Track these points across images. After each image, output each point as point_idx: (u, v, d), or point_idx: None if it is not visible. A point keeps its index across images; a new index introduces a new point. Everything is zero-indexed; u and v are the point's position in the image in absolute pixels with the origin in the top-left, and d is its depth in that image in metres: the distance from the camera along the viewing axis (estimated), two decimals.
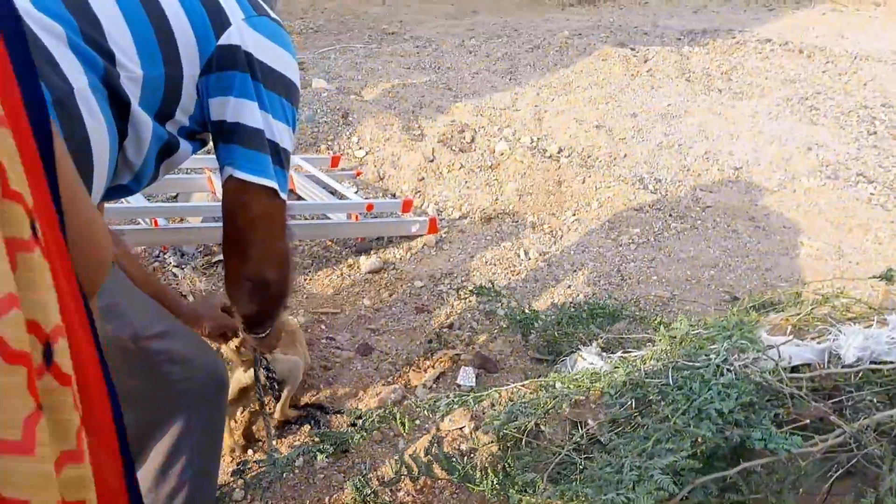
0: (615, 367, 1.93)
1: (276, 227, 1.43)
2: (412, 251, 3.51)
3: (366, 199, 3.68)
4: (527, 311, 2.53)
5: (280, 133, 1.37)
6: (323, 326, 3.01)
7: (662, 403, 1.67)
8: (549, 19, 6.84)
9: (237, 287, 1.47)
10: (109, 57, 1.17)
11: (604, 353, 2.14)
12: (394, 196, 3.94)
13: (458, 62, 5.62)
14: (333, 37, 6.12)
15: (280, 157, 1.38)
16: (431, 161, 4.15)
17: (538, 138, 4.47)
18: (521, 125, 4.60)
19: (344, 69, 5.29)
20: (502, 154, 4.22)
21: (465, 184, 4.00)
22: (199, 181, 3.41)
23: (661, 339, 2.05)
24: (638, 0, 7.63)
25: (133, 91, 1.21)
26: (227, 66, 1.33)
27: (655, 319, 2.22)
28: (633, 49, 5.74)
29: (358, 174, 4.06)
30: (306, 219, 3.52)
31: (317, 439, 1.90)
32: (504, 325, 2.73)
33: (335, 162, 4.10)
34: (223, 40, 1.32)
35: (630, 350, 2.16)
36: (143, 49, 1.22)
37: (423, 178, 4.05)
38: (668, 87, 5.21)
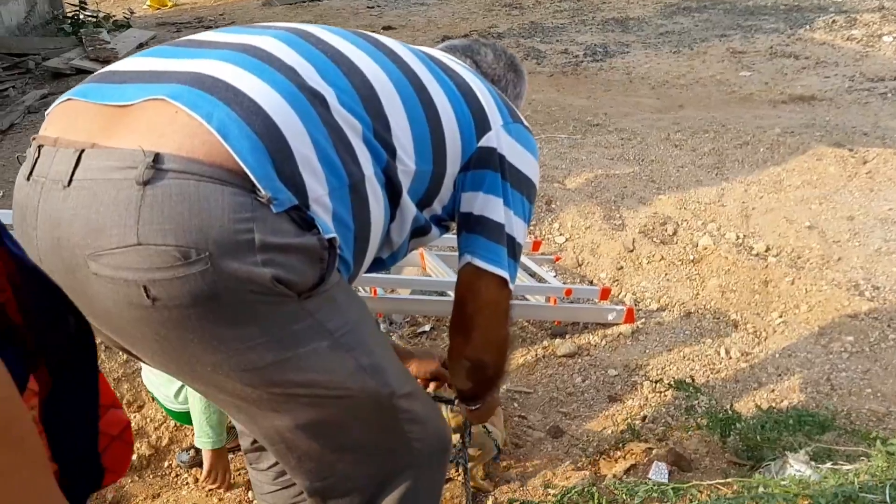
0: (825, 478, 1.84)
1: (501, 314, 1.61)
2: (607, 339, 3.52)
3: (564, 284, 3.76)
4: (728, 410, 2.46)
5: (518, 229, 1.55)
6: (516, 405, 3.08)
7: None
8: (759, 116, 6.69)
9: (457, 364, 1.65)
10: (392, 152, 1.38)
11: (812, 463, 2.04)
12: (591, 283, 3.98)
13: (662, 155, 5.64)
14: (539, 127, 6.34)
15: (514, 250, 1.55)
16: (631, 251, 4.17)
17: (744, 235, 4.36)
18: (726, 221, 4.51)
19: (549, 158, 5.46)
20: (706, 249, 4.16)
21: (664, 276, 3.98)
22: (412, 257, 3.64)
23: (877, 455, 1.94)
24: (857, 100, 7.30)
25: (405, 182, 1.42)
26: (482, 165, 1.54)
27: (872, 433, 2.09)
28: (850, 149, 5.49)
29: (557, 259, 4.15)
30: None
31: None
32: (702, 423, 2.66)
33: (536, 246, 4.23)
34: (483, 142, 1.53)
35: (841, 463, 2.05)
36: (419, 148, 1.44)
37: (621, 268, 4.07)
38: (890, 190, 4.91)
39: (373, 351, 1.38)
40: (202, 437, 2.38)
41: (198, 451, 2.60)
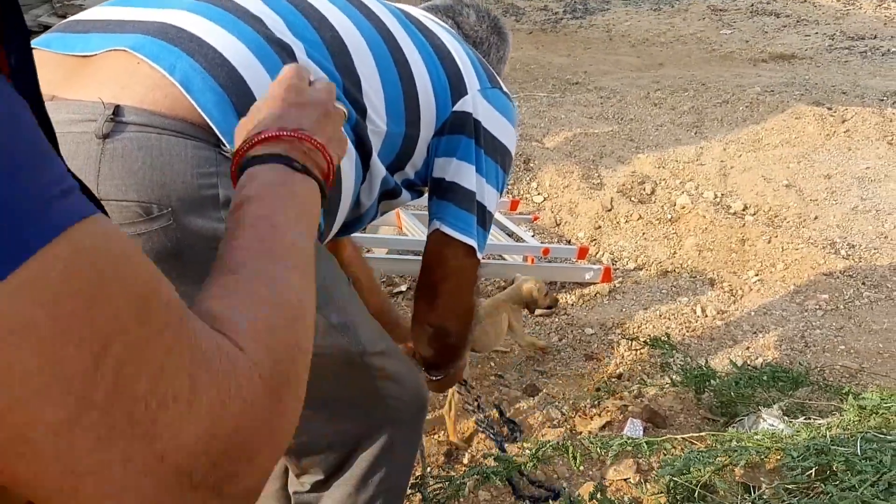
0: (797, 432, 1.85)
1: (467, 283, 1.57)
2: (584, 298, 3.52)
3: (542, 243, 3.74)
4: (703, 367, 2.47)
5: (489, 197, 1.51)
6: (493, 364, 3.08)
7: (848, 473, 1.59)
8: (739, 74, 6.67)
9: (420, 330, 1.61)
10: (362, 111, 1.34)
11: (785, 418, 2.06)
12: (569, 242, 3.97)
13: (641, 114, 5.61)
14: (518, 85, 6.29)
15: (484, 219, 1.52)
16: (609, 210, 4.16)
17: (722, 194, 4.36)
18: (704, 180, 4.51)
19: (528, 117, 5.42)
20: (683, 208, 4.15)
21: (642, 235, 3.97)
22: (388, 216, 3.61)
23: (849, 409, 1.95)
24: (837, 58, 7.30)
25: (375, 143, 1.38)
26: (456, 130, 1.49)
27: (844, 389, 2.11)
28: (829, 108, 5.50)
29: (535, 219, 4.13)
30: (483, 258, 3.62)
31: (491, 462, 1.96)
32: (677, 380, 2.67)
33: (514, 206, 4.20)
34: (458, 107, 1.48)
35: (814, 417, 2.06)
36: (391, 109, 1.39)
37: (599, 227, 4.06)
38: (868, 149, 4.93)
39: (343, 309, 1.35)
40: None
41: None
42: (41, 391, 0.40)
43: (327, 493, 1.48)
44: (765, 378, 2.33)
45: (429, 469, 2.19)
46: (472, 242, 1.51)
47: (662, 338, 2.68)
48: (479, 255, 1.55)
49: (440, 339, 1.62)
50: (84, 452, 0.42)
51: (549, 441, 2.00)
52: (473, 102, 1.51)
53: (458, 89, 1.51)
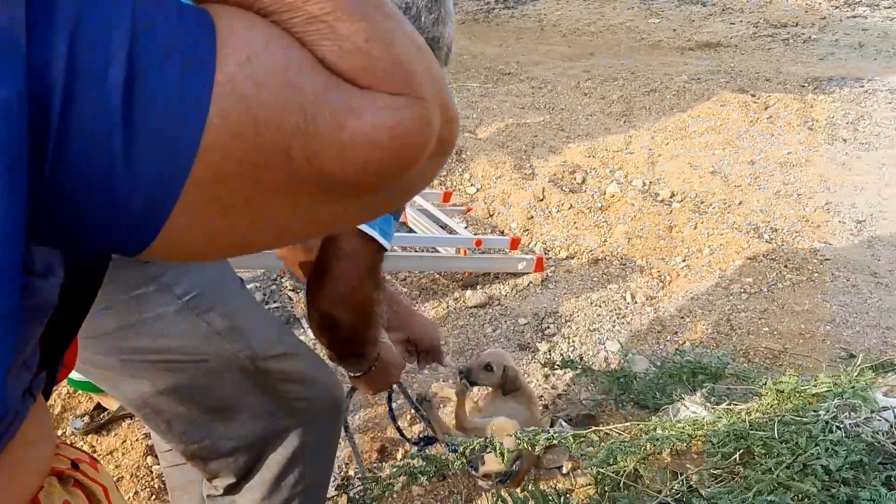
0: (718, 418, 1.90)
1: (360, 269, 1.40)
2: (518, 288, 3.55)
3: (475, 234, 3.76)
4: (624, 371, 2.51)
5: None
6: (420, 376, 3.08)
7: (766, 457, 1.64)
8: (667, 63, 6.79)
9: (310, 314, 1.47)
10: None
11: (707, 404, 2.11)
12: (502, 233, 4.00)
13: (572, 103, 5.67)
14: (451, 76, 6.28)
15: None
16: (541, 200, 4.20)
17: (650, 182, 4.44)
18: (633, 168, 4.58)
19: (460, 107, 5.42)
20: (613, 196, 4.22)
21: (573, 224, 4.02)
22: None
23: (767, 393, 2.01)
24: (761, 46, 7.48)
25: None
26: None
27: (761, 380, 2.17)
28: (753, 95, 5.64)
29: (468, 210, 4.14)
30: (416, 251, 3.62)
31: (419, 462, 1.95)
32: (602, 381, 2.72)
33: (447, 197, 4.20)
34: None
35: (735, 402, 2.12)
36: None
37: (532, 217, 4.09)
38: (789, 134, 5.08)
39: (230, 313, 1.32)
40: None
41: (92, 417, 2.52)
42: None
43: (239, 497, 1.46)
44: (684, 376, 2.38)
45: (365, 472, 2.16)
46: (369, 231, 1.41)
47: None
48: (382, 242, 1.42)
49: (329, 328, 1.44)
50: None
51: (476, 439, 2.00)
52: None
53: None
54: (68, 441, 2.34)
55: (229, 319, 1.31)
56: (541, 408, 2.63)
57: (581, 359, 3.00)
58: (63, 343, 0.66)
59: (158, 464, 2.28)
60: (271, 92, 0.46)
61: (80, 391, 2.59)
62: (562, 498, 1.90)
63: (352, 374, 1.64)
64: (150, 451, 2.44)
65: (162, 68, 0.43)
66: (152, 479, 2.39)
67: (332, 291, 1.36)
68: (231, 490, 1.46)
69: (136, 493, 2.35)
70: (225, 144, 0.45)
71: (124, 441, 2.54)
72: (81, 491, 0.73)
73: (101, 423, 2.56)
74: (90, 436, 2.56)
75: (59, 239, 0.47)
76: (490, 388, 2.58)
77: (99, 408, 2.57)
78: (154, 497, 2.34)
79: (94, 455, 2.35)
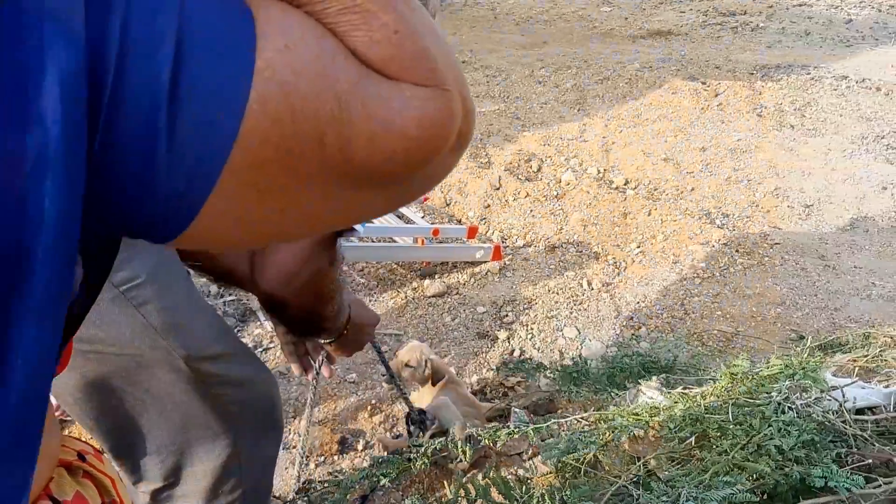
0: (675, 402, 1.93)
1: (303, 244, 1.24)
2: (476, 277, 3.56)
3: (432, 224, 3.75)
4: (576, 366, 2.53)
5: None
6: (385, 348, 3.07)
7: (722, 438, 1.67)
8: (619, 51, 6.85)
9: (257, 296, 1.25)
10: None
11: (663, 388, 2.14)
12: (459, 222, 4.00)
13: (527, 92, 5.69)
14: None
15: None
16: (498, 189, 4.21)
17: (605, 169, 4.49)
18: (588, 156, 4.62)
19: None
20: (568, 184, 4.25)
21: (530, 212, 4.04)
22: None
23: (722, 377, 2.05)
24: (710, 34, 7.59)
25: None
26: None
27: (713, 368, 2.21)
28: (703, 83, 5.72)
29: (425, 199, 4.14)
30: (373, 241, 3.61)
31: (380, 463, 1.95)
32: (553, 375, 2.75)
33: None
34: None
35: (690, 386, 2.16)
36: None
37: (488, 206, 4.11)
38: (739, 121, 5.17)
39: (168, 308, 1.27)
40: None
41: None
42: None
43: None
44: (636, 369, 2.41)
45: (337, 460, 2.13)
46: None
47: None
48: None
49: (277, 310, 1.24)
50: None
51: (439, 439, 2.00)
52: None
53: None
54: None
55: (167, 314, 1.25)
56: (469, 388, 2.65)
57: (538, 350, 3.03)
58: (66, 338, 0.65)
59: None
60: (308, 80, 0.47)
61: None
62: (523, 486, 1.92)
63: (323, 342, 1.52)
64: None
65: (206, 52, 0.44)
66: None
67: (272, 270, 1.15)
68: (160, 498, 1.40)
69: None
70: (264, 130, 0.46)
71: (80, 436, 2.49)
72: (92, 482, 0.73)
73: (60, 419, 2.52)
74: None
75: (94, 220, 0.47)
76: (420, 386, 2.53)
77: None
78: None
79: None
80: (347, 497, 1.94)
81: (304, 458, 2.18)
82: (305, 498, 1.97)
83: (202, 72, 0.44)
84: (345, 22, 0.50)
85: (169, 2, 0.44)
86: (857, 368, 2.29)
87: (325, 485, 1.96)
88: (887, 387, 2.09)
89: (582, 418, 1.88)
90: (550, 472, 1.85)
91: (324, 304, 1.29)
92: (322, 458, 2.44)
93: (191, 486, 1.39)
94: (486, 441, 1.91)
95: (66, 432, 2.44)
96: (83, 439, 0.82)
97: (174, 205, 0.46)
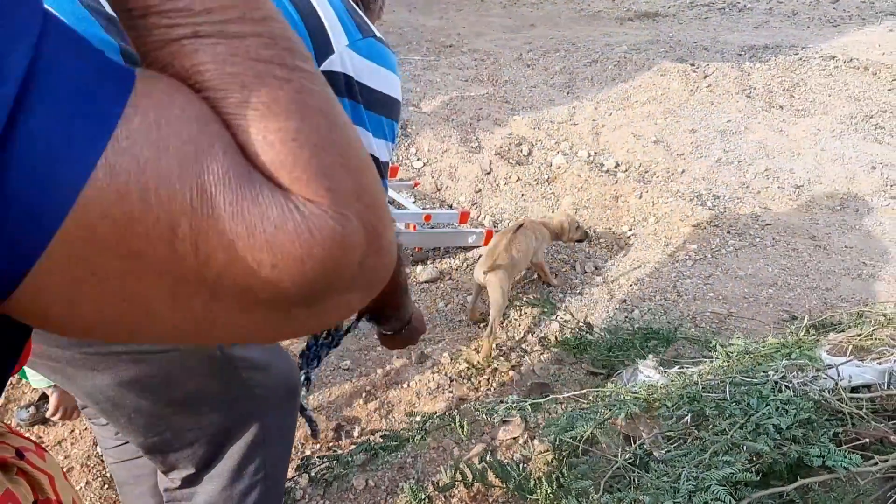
0: (672, 381, 1.93)
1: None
2: (468, 262, 3.55)
3: (423, 209, 3.74)
4: (580, 332, 2.53)
5: (379, 148, 1.39)
6: (377, 336, 3.06)
7: (719, 418, 1.67)
8: (607, 34, 6.83)
9: None
10: None
11: (660, 367, 2.14)
12: (451, 207, 3.99)
13: (515, 75, 5.66)
14: (392, 48, 6.22)
15: (378, 168, 1.39)
16: (488, 173, 4.20)
17: (595, 152, 4.48)
18: (578, 139, 4.61)
19: (403, 81, 5.37)
20: (559, 167, 4.24)
21: (521, 196, 4.03)
22: None
23: (718, 356, 2.05)
24: (698, 15, 7.58)
25: None
26: None
27: (711, 342, 2.22)
28: (692, 64, 5.71)
29: (416, 185, 4.12)
30: None
31: (379, 438, 1.94)
32: (556, 347, 2.74)
33: (393, 172, 4.17)
34: (325, 67, 1.35)
35: (687, 365, 2.16)
36: None
37: (479, 190, 4.09)
38: (728, 103, 5.17)
39: None
40: (38, 378, 2.23)
41: (38, 407, 2.45)
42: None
43: (200, 488, 1.42)
44: (637, 341, 2.41)
45: (318, 447, 2.15)
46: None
47: (543, 298, 2.73)
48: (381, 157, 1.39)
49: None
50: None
51: (435, 413, 2.00)
52: (342, 59, 1.40)
53: (324, 49, 1.40)
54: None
55: None
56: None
57: (531, 334, 3.03)
58: (23, 337, 0.63)
59: None
60: (171, 160, 0.42)
61: (23, 379, 2.51)
62: (520, 466, 1.92)
63: (383, 332, 1.65)
64: None
65: (57, 105, 0.40)
66: (103, 469, 2.34)
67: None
68: (190, 481, 1.42)
69: (87, 482, 2.30)
70: (105, 204, 0.41)
71: (72, 431, 2.47)
72: (25, 480, 0.70)
73: (45, 413, 2.50)
74: (36, 427, 2.48)
75: None
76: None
77: (44, 398, 2.50)
78: (106, 486, 2.29)
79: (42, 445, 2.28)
80: (346, 472, 1.94)
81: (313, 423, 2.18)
82: (306, 475, 1.97)
83: (46, 124, 0.39)
84: (241, 116, 0.46)
85: (26, 39, 0.39)
86: (850, 347, 2.30)
87: (324, 459, 1.96)
88: (881, 364, 2.10)
89: (580, 397, 1.88)
90: (547, 451, 1.85)
91: (400, 294, 1.47)
92: (318, 446, 2.43)
93: (219, 468, 1.41)
94: (484, 417, 1.91)
95: (58, 433, 2.42)
96: (27, 436, 0.80)
97: None
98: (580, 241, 3.48)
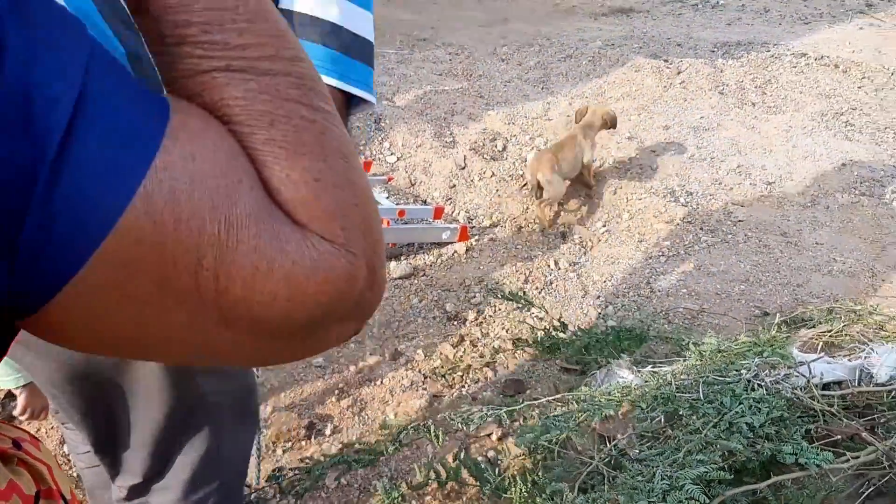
0: (645, 382, 1.93)
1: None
2: (443, 258, 3.54)
3: (397, 204, 3.72)
4: (554, 331, 2.53)
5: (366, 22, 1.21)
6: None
7: (693, 417, 1.68)
8: (582, 29, 6.83)
9: None
10: None
11: (634, 367, 2.15)
12: (425, 203, 3.97)
13: (490, 70, 5.65)
14: None
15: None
16: (463, 168, 4.18)
17: None
18: (553, 135, 4.61)
19: (376, 74, 5.32)
20: None
21: (496, 192, 4.03)
22: None
23: (691, 355, 2.06)
24: (671, 11, 7.61)
25: None
26: None
27: (684, 341, 2.22)
28: (666, 60, 5.73)
29: (389, 180, 4.09)
30: None
31: (353, 451, 1.92)
32: (529, 348, 2.74)
33: (367, 167, 4.14)
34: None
35: (660, 364, 2.17)
36: None
37: (454, 186, 4.08)
38: (701, 99, 5.20)
39: None
40: (7, 377, 2.18)
41: (3, 405, 2.40)
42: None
43: (151, 498, 1.36)
44: (610, 339, 2.42)
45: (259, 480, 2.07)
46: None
47: (519, 293, 2.73)
48: (370, 96, 1.16)
49: None
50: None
51: (409, 424, 1.98)
52: None
53: None
54: None
55: None
56: None
57: (505, 331, 3.03)
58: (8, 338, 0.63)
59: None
60: (203, 193, 0.45)
61: None
62: (495, 468, 1.91)
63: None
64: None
65: (103, 133, 0.42)
66: (70, 468, 2.29)
67: None
68: (137, 492, 1.37)
69: None
70: (141, 230, 0.43)
71: (38, 429, 2.43)
72: (26, 470, 0.71)
73: (13, 411, 2.45)
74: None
75: None
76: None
77: (10, 395, 2.45)
78: (74, 486, 2.24)
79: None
80: (319, 483, 1.91)
81: (260, 447, 2.14)
82: (276, 485, 1.94)
83: (91, 153, 0.41)
84: (267, 152, 0.48)
85: (75, 65, 0.41)
86: (821, 343, 2.32)
87: (296, 472, 1.93)
88: (851, 361, 2.12)
89: (555, 400, 1.87)
90: (523, 456, 1.85)
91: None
92: (289, 444, 2.41)
93: (170, 479, 1.37)
94: (459, 426, 1.90)
95: (42, 428, 2.38)
96: (21, 426, 0.80)
97: (36, 279, 0.43)
98: (613, 127, 4.09)
